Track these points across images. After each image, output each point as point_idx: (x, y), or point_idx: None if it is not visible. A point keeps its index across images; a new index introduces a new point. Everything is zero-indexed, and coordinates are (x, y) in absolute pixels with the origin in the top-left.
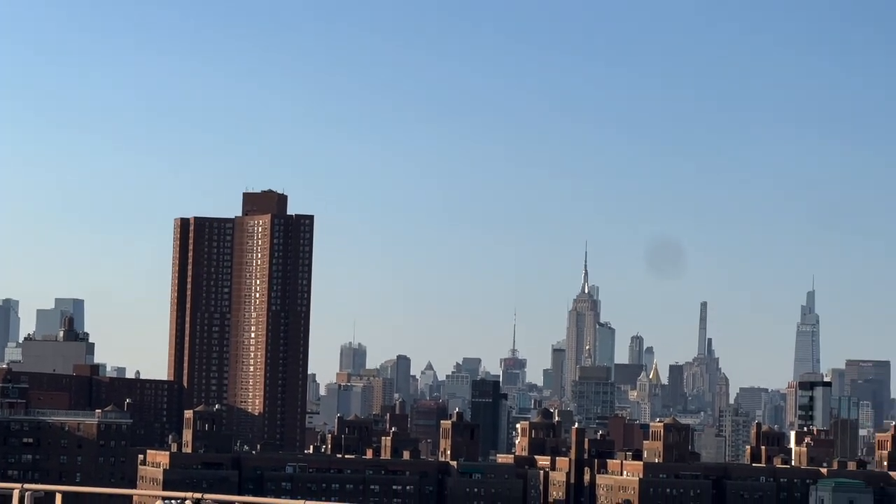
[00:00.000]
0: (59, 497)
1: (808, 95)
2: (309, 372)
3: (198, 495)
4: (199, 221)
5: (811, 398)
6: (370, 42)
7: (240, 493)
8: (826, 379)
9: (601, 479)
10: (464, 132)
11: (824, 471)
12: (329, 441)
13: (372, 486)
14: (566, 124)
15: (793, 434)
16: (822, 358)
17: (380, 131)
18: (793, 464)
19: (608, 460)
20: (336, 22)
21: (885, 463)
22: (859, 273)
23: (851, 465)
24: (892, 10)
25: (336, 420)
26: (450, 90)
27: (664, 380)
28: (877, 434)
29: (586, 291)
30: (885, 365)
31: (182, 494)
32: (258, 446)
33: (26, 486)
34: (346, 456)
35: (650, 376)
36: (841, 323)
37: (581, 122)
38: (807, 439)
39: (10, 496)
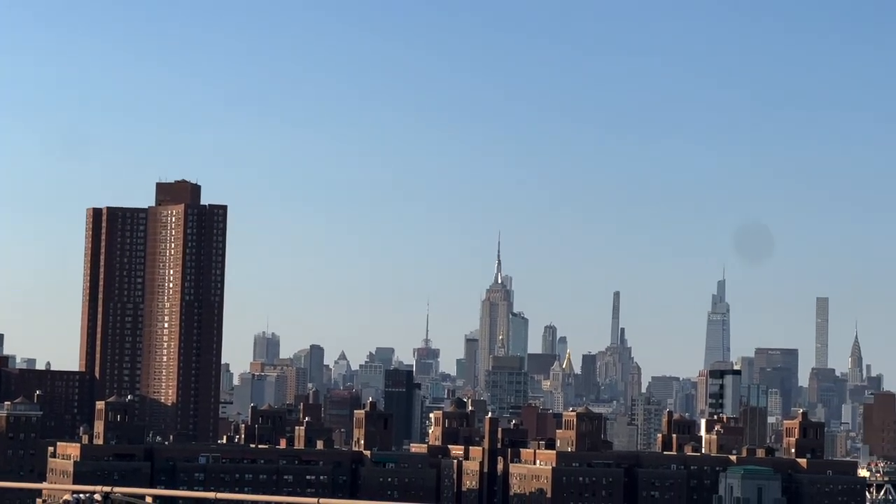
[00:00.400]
0: None
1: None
2: (222, 362)
3: (107, 489)
4: (112, 212)
5: (721, 386)
6: (281, 28)
7: (152, 485)
8: (736, 367)
9: (514, 469)
10: (376, 120)
11: (734, 458)
12: (242, 431)
13: (285, 476)
14: (477, 111)
15: (703, 422)
16: (731, 346)
17: (293, 121)
18: (703, 451)
19: (521, 449)
20: (248, 7)
21: (793, 450)
22: (768, 262)
23: (760, 453)
24: None
25: (249, 410)
26: (360, 76)
27: (577, 369)
28: (785, 421)
29: (499, 281)
30: (794, 353)
31: (91, 488)
32: (171, 437)
33: None
34: (260, 446)
35: (563, 366)
36: (750, 312)
37: (490, 110)
38: (717, 427)
39: None
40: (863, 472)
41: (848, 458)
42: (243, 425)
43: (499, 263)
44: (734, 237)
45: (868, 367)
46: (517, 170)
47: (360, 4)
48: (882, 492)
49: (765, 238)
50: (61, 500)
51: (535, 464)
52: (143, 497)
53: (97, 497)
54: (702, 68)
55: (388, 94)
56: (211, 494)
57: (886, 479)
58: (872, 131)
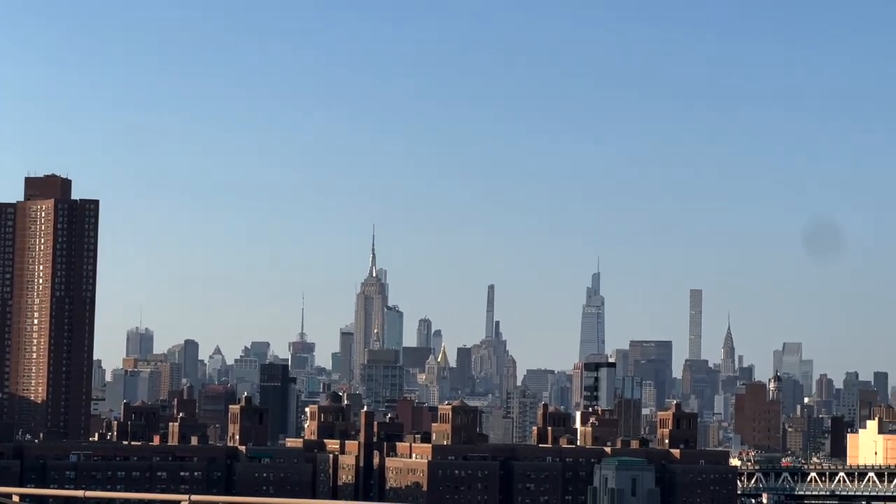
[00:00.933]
0: None
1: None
2: (95, 358)
3: None
4: None
5: (596, 379)
6: (149, 22)
7: (21, 484)
8: (610, 360)
9: (390, 462)
10: (247, 112)
11: (608, 450)
12: (115, 428)
13: (159, 473)
14: (351, 102)
15: (578, 414)
16: (606, 339)
17: (163, 114)
18: (578, 444)
19: (397, 443)
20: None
21: (667, 441)
22: (642, 255)
23: (634, 444)
24: None
25: (122, 407)
26: (229, 67)
27: (452, 362)
28: (659, 413)
29: (374, 275)
30: (667, 345)
31: None
32: (41, 435)
33: None
34: (133, 443)
35: (438, 359)
36: (625, 304)
37: (365, 100)
38: (592, 419)
39: None
40: (734, 462)
41: (720, 448)
42: (116, 422)
43: (373, 257)
44: (609, 230)
45: (740, 358)
46: (392, 163)
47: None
48: (753, 480)
49: (639, 228)
50: None
51: (410, 457)
52: (10, 496)
53: None
54: (562, 60)
55: (260, 84)
56: (80, 493)
57: (757, 467)
58: (779, 126)
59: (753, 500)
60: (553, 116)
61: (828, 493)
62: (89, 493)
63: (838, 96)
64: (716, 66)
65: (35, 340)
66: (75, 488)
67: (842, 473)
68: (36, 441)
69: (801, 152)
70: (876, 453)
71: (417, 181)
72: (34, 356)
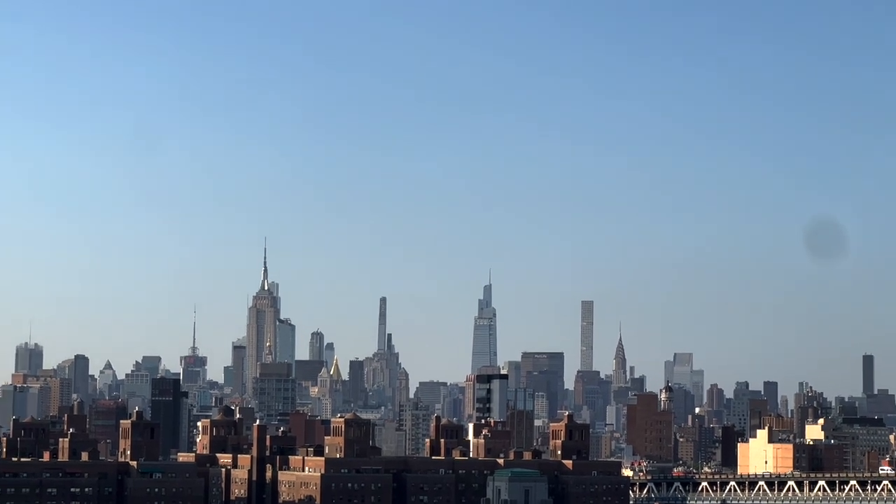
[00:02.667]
0: None
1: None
2: None
3: None
4: None
5: (488, 391)
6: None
7: None
8: (503, 371)
9: (283, 476)
10: (132, 119)
11: (501, 461)
12: (4, 445)
13: (49, 490)
14: (240, 111)
15: (471, 426)
16: (499, 351)
17: (47, 118)
18: (471, 455)
19: (290, 456)
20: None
21: (559, 452)
22: (533, 266)
23: (527, 455)
24: None
25: (11, 423)
26: (121, 71)
27: (345, 375)
28: (551, 424)
29: (266, 288)
30: (559, 357)
31: None
32: None
33: None
34: (22, 459)
35: (331, 372)
36: (516, 316)
37: (254, 110)
38: (484, 431)
39: None
40: (627, 472)
41: (612, 459)
42: (5, 438)
43: (265, 270)
44: (500, 241)
45: (632, 368)
46: (283, 175)
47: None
48: (645, 490)
49: (529, 239)
50: None
51: (303, 471)
52: None
53: None
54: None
55: (147, 88)
56: None
57: (649, 477)
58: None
59: None
60: (444, 125)
61: (719, 502)
62: None
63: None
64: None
65: None
66: None
67: (733, 483)
68: None
69: (683, 158)
70: (766, 462)
71: (308, 193)
72: None
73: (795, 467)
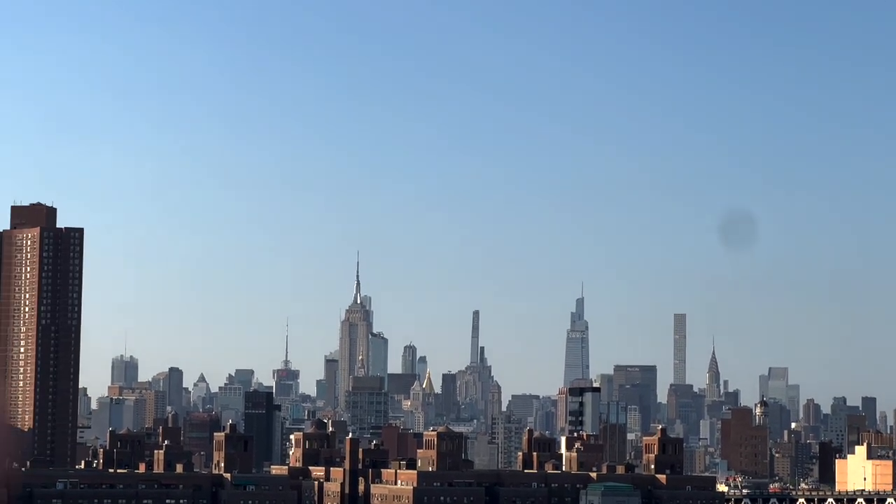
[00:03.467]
0: None
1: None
2: (80, 386)
3: None
4: None
5: (581, 404)
6: (131, 51)
7: None
8: (595, 384)
9: (376, 489)
10: (229, 138)
11: (594, 475)
12: (101, 456)
13: (144, 501)
14: (332, 129)
15: (563, 439)
16: (591, 364)
17: (147, 141)
18: (563, 469)
19: (382, 470)
20: (101, 27)
21: (652, 466)
22: (627, 279)
23: (620, 469)
24: None
25: (108, 434)
26: (216, 96)
27: (437, 388)
28: (644, 438)
29: (358, 301)
30: (652, 370)
31: None
32: (28, 463)
33: None
34: (119, 470)
35: (423, 385)
36: (609, 329)
37: (346, 127)
38: (577, 444)
39: None
40: (721, 487)
41: (707, 473)
42: (101, 450)
43: (357, 283)
44: (593, 254)
45: (725, 382)
46: (376, 188)
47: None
48: None
49: (623, 253)
50: None
51: (396, 484)
52: None
53: None
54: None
55: (245, 110)
56: None
57: (745, 493)
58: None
59: None
60: (533, 136)
61: None
62: None
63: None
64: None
65: (21, 368)
66: None
67: (831, 499)
68: (23, 469)
69: (777, 169)
70: (865, 479)
71: (402, 206)
72: (20, 384)
73: (895, 485)
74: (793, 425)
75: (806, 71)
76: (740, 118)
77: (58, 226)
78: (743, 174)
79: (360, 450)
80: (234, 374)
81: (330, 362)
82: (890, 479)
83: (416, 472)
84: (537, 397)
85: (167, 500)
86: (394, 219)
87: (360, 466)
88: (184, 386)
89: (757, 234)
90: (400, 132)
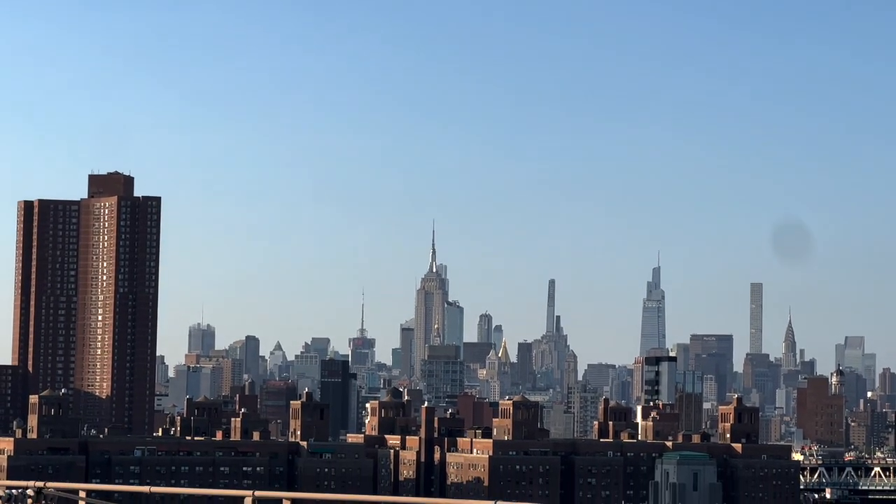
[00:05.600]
0: None
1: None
2: (157, 354)
3: (39, 484)
4: (44, 204)
5: (657, 373)
6: (213, 24)
7: (87, 479)
8: (671, 354)
9: (451, 458)
10: (308, 110)
11: (669, 444)
12: (178, 424)
13: (222, 468)
14: (409, 97)
15: (639, 409)
16: (667, 333)
17: (225, 113)
18: (639, 438)
19: (458, 438)
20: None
21: (728, 435)
22: (703, 249)
23: (696, 438)
24: None
25: (185, 402)
26: (295, 67)
27: (513, 357)
28: (720, 407)
29: (434, 270)
30: (728, 339)
31: (23, 483)
32: (106, 430)
33: None
34: (196, 438)
35: (499, 354)
36: (685, 298)
37: (423, 95)
38: (653, 414)
39: None
40: (797, 456)
41: (782, 443)
42: (179, 418)
43: (433, 252)
44: (669, 224)
45: (801, 352)
46: (452, 157)
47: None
48: (815, 475)
49: (699, 222)
50: None
51: (471, 452)
52: (77, 492)
53: (30, 493)
54: (622, 49)
55: (318, 83)
56: (145, 488)
57: (820, 462)
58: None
59: (816, 496)
60: (610, 108)
61: (892, 487)
62: (155, 489)
63: None
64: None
65: (99, 337)
66: (140, 483)
67: None
68: (101, 437)
69: (855, 139)
70: None
71: (477, 176)
72: (98, 352)
73: None
74: (868, 394)
75: None
76: (810, 78)
77: (135, 195)
78: (817, 143)
79: (436, 418)
80: (310, 343)
81: (406, 331)
82: None
83: (491, 440)
84: (613, 366)
85: (244, 468)
86: (469, 188)
87: (435, 435)
88: (260, 354)
89: (833, 204)
90: (475, 100)
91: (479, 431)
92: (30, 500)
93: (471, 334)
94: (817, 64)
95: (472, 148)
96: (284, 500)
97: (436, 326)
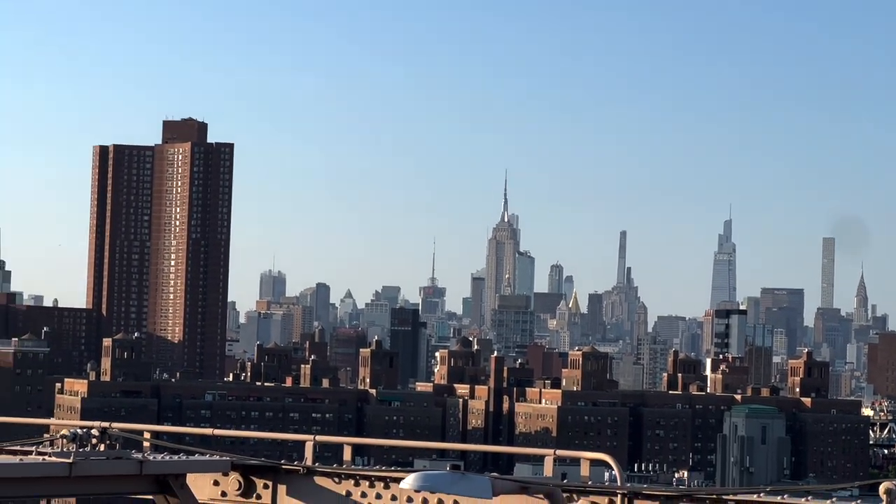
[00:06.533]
0: None
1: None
2: (229, 300)
3: (105, 424)
4: (119, 149)
5: (727, 326)
6: None
7: (159, 422)
8: (742, 307)
9: (520, 408)
10: (380, 58)
11: (738, 397)
12: (248, 369)
13: (291, 414)
14: (479, 45)
15: (709, 362)
16: (738, 286)
17: (299, 60)
18: (708, 391)
19: (527, 388)
20: None
21: (797, 389)
22: (775, 202)
23: (765, 392)
24: None
25: (255, 348)
26: (367, 13)
27: (583, 308)
28: (790, 361)
29: (506, 220)
30: (799, 293)
31: (89, 423)
32: (177, 374)
33: None
34: (266, 384)
35: (570, 305)
36: (757, 252)
37: (493, 43)
38: (722, 367)
39: None
40: (867, 411)
41: (852, 398)
42: (249, 363)
43: (505, 202)
44: (741, 176)
45: (873, 307)
46: (524, 106)
47: None
48: (885, 431)
49: (772, 175)
50: (58, 434)
51: (540, 403)
52: (141, 433)
53: (94, 432)
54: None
55: (388, 33)
56: (209, 431)
57: (890, 417)
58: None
59: (885, 451)
60: (686, 63)
61: None
62: (218, 432)
63: None
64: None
65: (172, 282)
66: (211, 427)
67: None
68: (172, 380)
69: None
70: None
71: (550, 125)
72: (171, 297)
73: None
74: None
75: None
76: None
77: (208, 141)
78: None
79: (506, 368)
80: (380, 291)
81: (476, 280)
82: None
83: (560, 391)
84: (683, 319)
85: (313, 414)
86: (543, 137)
87: (504, 385)
88: (331, 301)
89: None
90: (549, 54)
91: (548, 382)
92: (94, 440)
93: (541, 285)
94: None
95: (544, 97)
96: (345, 445)
97: (507, 276)
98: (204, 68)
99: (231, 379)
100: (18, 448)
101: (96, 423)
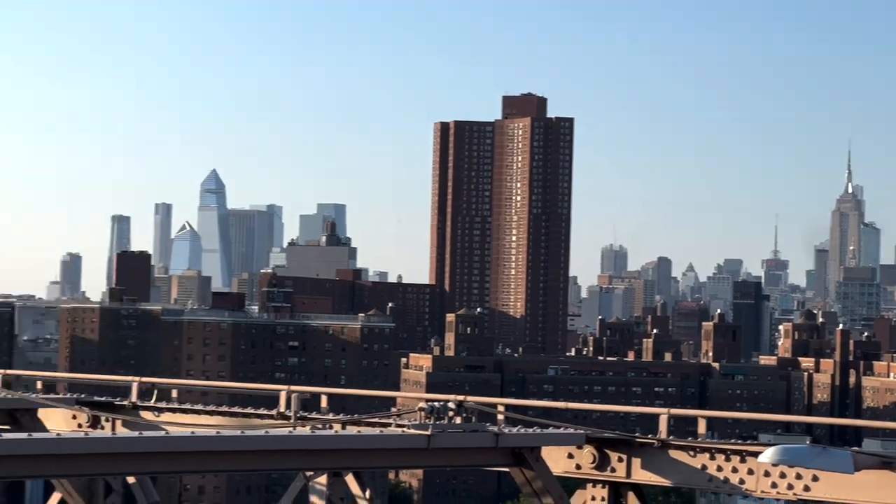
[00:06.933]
0: (324, 399)
1: None
2: (570, 275)
3: (460, 398)
4: (459, 125)
5: None
6: None
7: (502, 396)
8: None
9: (867, 382)
10: (718, 35)
11: None
12: (590, 343)
13: (634, 388)
14: (821, 20)
15: None
16: None
17: (639, 32)
18: None
19: (874, 362)
20: None
21: None
22: None
23: None
24: None
25: (597, 322)
26: None
27: None
28: None
29: (850, 191)
30: None
31: (445, 397)
32: (520, 349)
33: (292, 388)
34: (608, 358)
35: None
36: None
37: (836, 15)
38: None
39: (277, 398)
40: None
41: None
42: (591, 338)
43: (849, 173)
44: None
45: None
46: (865, 75)
47: None
48: None
49: None
50: (416, 408)
51: (888, 377)
52: (495, 406)
53: (451, 405)
54: None
55: (730, 8)
56: (561, 404)
57: None
58: None
59: None
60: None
61: None
62: (569, 405)
63: None
64: None
65: (513, 257)
66: (553, 401)
67: None
68: (515, 355)
69: None
70: None
71: (890, 97)
72: (512, 272)
73: None
74: None
75: None
76: None
77: (548, 115)
78: None
79: (851, 341)
80: (722, 264)
81: (820, 252)
82: None
83: None
84: None
85: (656, 388)
86: (887, 105)
87: (850, 358)
88: (672, 275)
89: None
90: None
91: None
92: (451, 412)
93: (888, 256)
94: None
95: (887, 63)
96: (700, 419)
97: (851, 248)
98: (544, 43)
99: (573, 353)
100: (377, 420)
101: (452, 397)
